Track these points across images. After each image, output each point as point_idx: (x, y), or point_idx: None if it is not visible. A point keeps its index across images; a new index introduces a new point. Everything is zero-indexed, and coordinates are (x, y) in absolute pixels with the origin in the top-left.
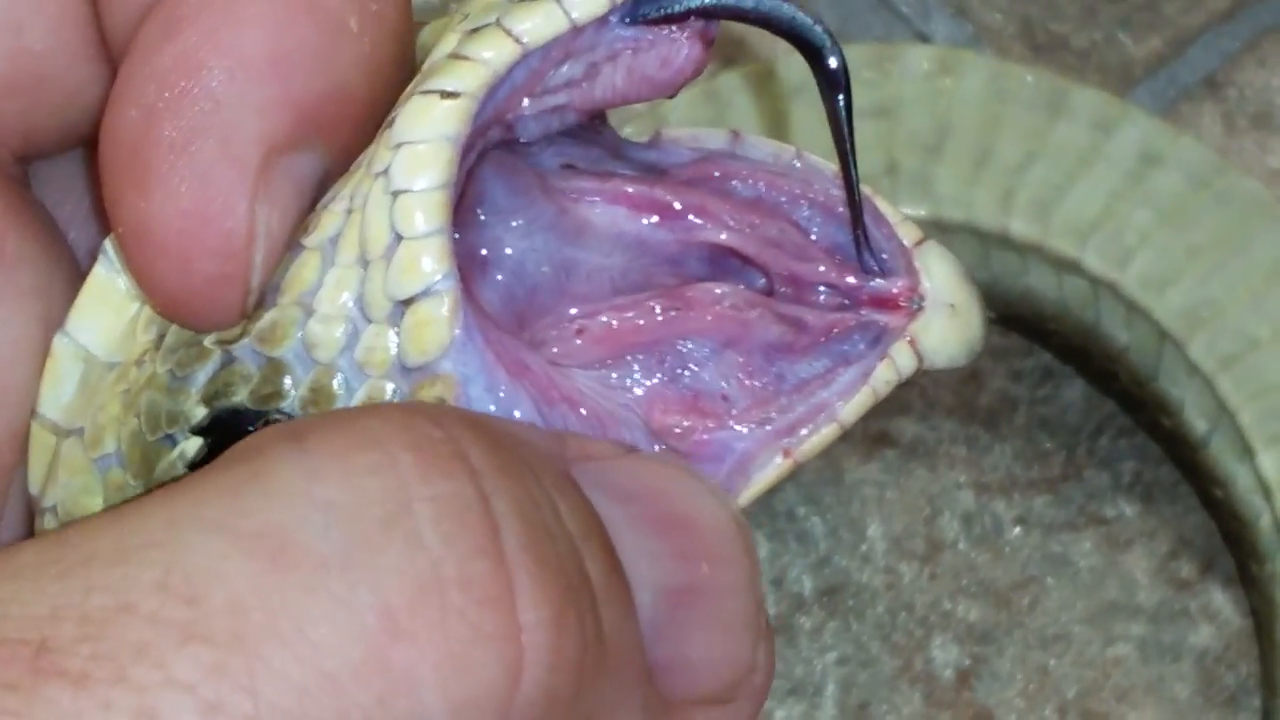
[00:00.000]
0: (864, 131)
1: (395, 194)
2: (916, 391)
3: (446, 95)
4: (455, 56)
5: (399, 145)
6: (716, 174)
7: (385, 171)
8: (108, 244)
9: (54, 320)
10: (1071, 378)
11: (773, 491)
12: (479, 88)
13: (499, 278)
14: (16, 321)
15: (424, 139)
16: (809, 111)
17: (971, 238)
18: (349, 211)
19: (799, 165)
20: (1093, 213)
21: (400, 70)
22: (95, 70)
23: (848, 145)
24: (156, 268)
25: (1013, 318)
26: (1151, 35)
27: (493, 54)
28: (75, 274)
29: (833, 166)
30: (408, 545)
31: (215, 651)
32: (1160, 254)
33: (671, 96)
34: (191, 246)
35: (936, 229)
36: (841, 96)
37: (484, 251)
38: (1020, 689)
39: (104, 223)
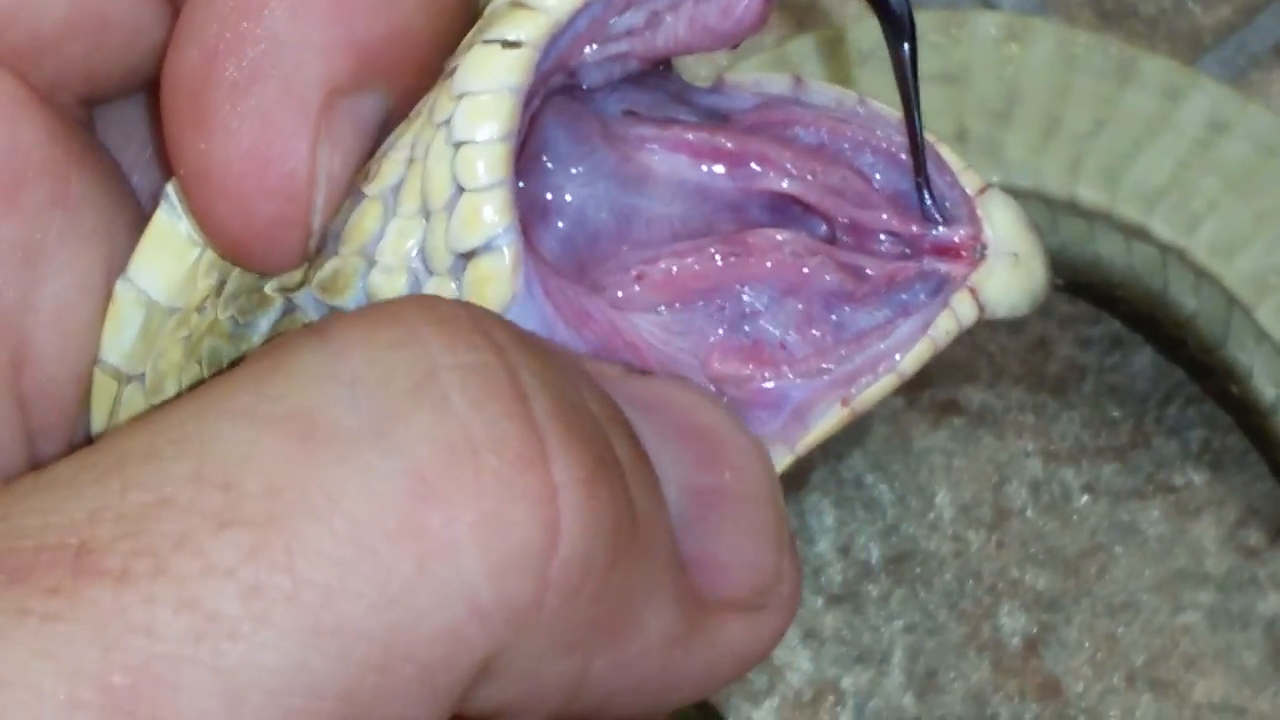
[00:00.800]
0: (932, 97)
1: (457, 145)
2: (984, 359)
3: (508, 45)
4: (517, 4)
5: (461, 96)
6: (779, 119)
7: (447, 122)
8: (170, 188)
9: (118, 264)
10: (1140, 345)
11: (840, 459)
12: (541, 37)
13: (560, 225)
14: (80, 264)
15: (486, 89)
16: (878, 77)
17: (1040, 204)
18: (410, 161)
19: (862, 111)
20: (1161, 179)
21: (463, 12)
22: (158, 11)
23: (912, 93)
24: (217, 209)
25: (1081, 285)
26: (1221, 3)
27: (555, 2)
28: (139, 218)
29: (897, 113)
30: (436, 411)
31: (252, 534)
32: (1228, 220)
33: (734, 47)
34: (252, 188)
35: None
36: (906, 45)
37: (547, 198)
38: (1088, 657)
39: (166, 167)
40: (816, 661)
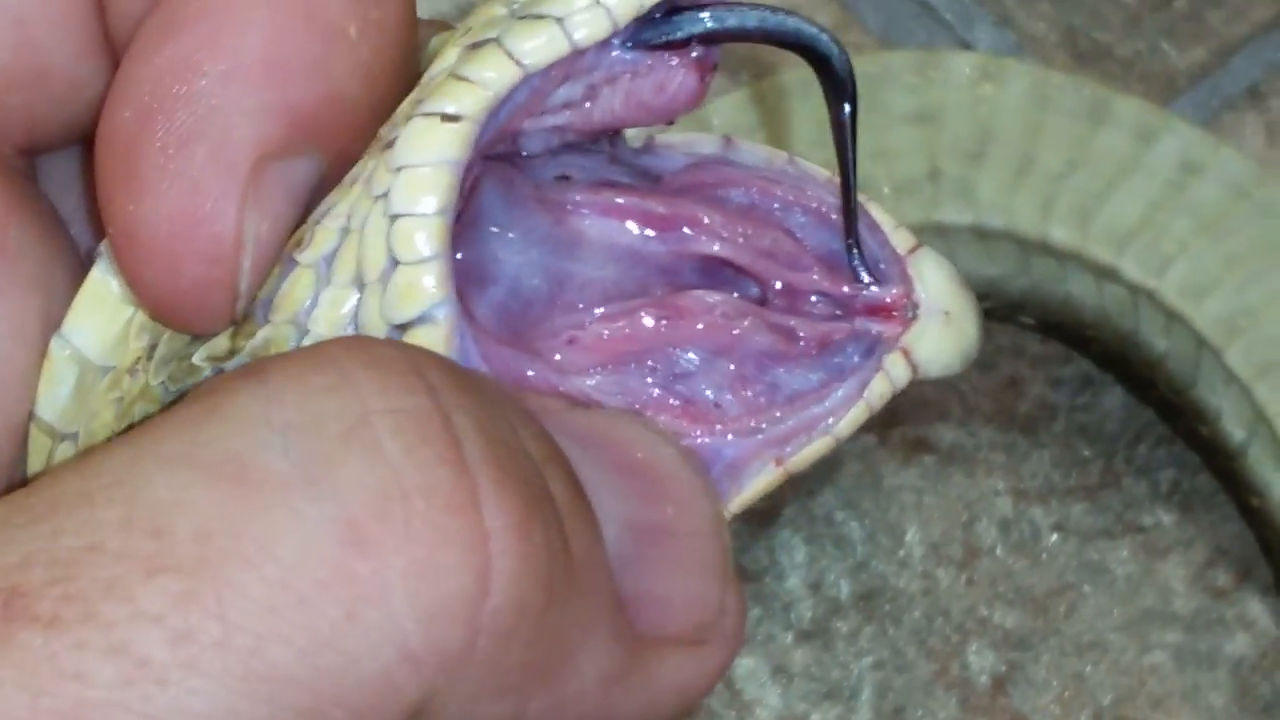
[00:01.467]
0: (906, 137)
1: (394, 217)
2: (956, 398)
3: (448, 118)
4: (456, 76)
5: (399, 169)
6: (710, 181)
7: (385, 195)
8: (103, 247)
9: (55, 314)
10: (1110, 385)
11: (811, 495)
12: (480, 111)
13: (495, 291)
14: (16, 314)
15: (425, 163)
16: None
17: (1012, 244)
18: (345, 230)
19: (792, 171)
20: (1132, 221)
21: (400, 78)
22: (99, 65)
23: (849, 154)
24: (145, 270)
25: (1052, 325)
26: (1195, 45)
27: (494, 75)
28: (77, 268)
29: (825, 172)
30: (367, 457)
31: (182, 580)
32: (1199, 262)
33: (669, 124)
34: (180, 250)
35: (978, 235)
36: (847, 105)
37: (481, 266)
38: (1056, 695)
39: (98, 223)
40: (785, 697)
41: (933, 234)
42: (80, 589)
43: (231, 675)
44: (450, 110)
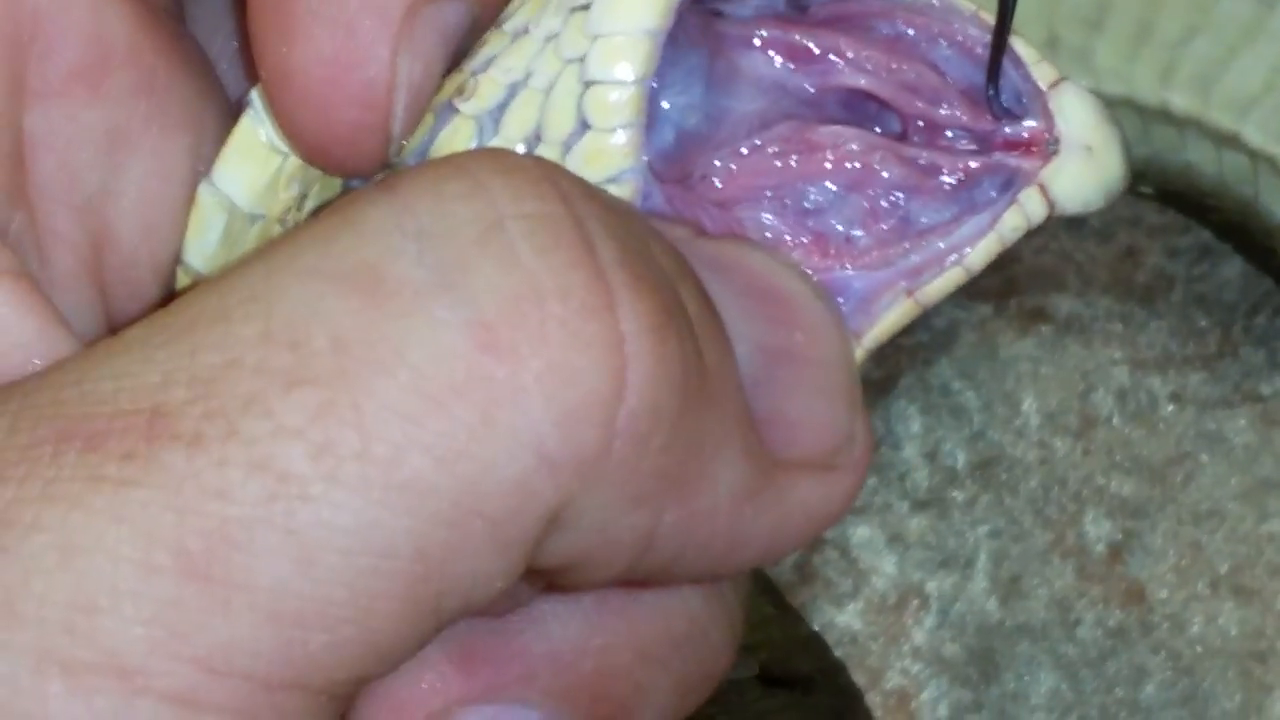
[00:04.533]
0: (1025, 4)
1: (589, 83)
2: (1072, 268)
3: None
4: None
5: (596, 36)
6: (856, 11)
7: (580, 60)
8: (254, 94)
9: (204, 154)
10: (1229, 254)
11: (927, 365)
12: None
13: (661, 134)
14: (165, 154)
15: (625, 31)
16: None
17: (1131, 112)
18: (519, 85)
19: (937, 3)
20: (1254, 87)
21: None
22: None
23: None
24: (298, 113)
25: (1170, 193)
26: None
27: None
28: (226, 109)
29: (970, 4)
30: (501, 261)
31: (320, 392)
32: None
33: None
34: (333, 94)
35: None
36: None
37: (650, 111)
38: (1172, 564)
39: (250, 65)
40: (901, 566)
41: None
42: (220, 405)
43: (372, 486)
44: None
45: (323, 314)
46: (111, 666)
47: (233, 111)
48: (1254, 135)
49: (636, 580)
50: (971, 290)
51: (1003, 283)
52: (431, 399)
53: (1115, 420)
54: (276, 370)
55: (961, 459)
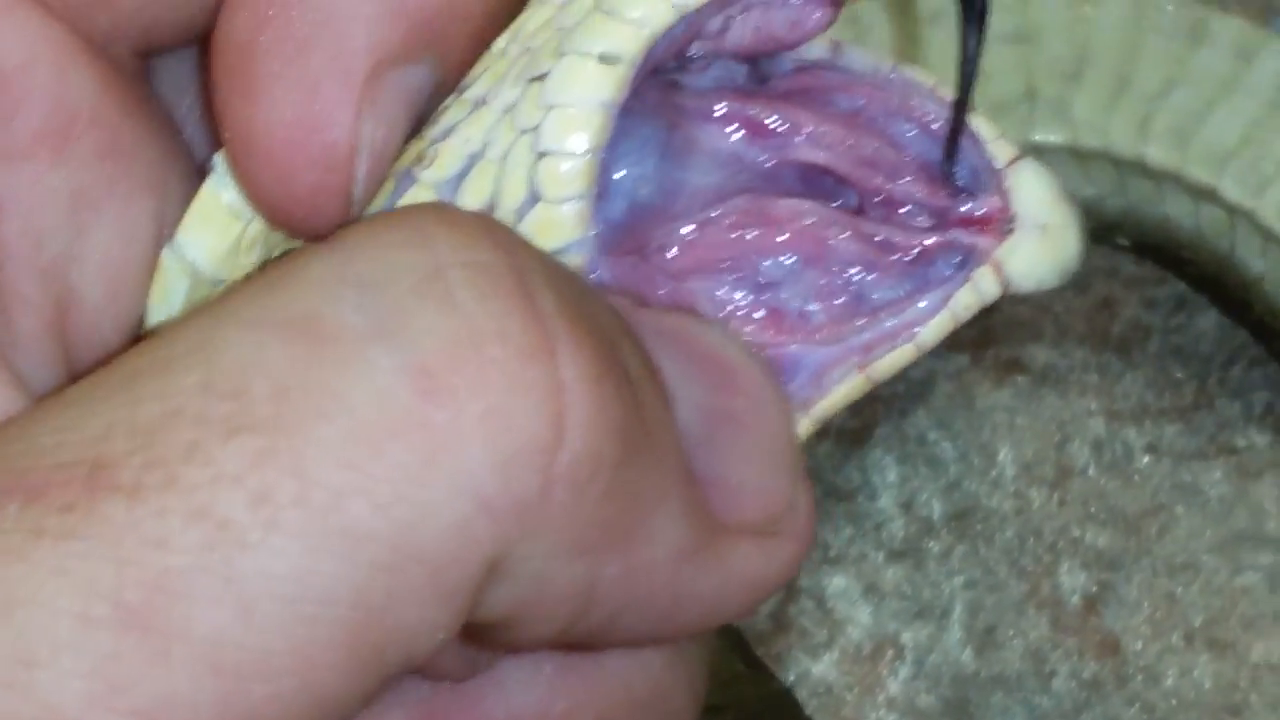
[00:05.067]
0: (1003, 57)
1: (542, 154)
2: (1049, 319)
3: (605, 60)
4: (605, 13)
5: (551, 106)
6: (816, 85)
7: (534, 130)
8: (217, 158)
9: (169, 216)
10: (1205, 306)
11: (904, 415)
12: (637, 54)
13: (612, 207)
14: (129, 216)
15: (578, 103)
16: (947, 38)
17: (1108, 165)
18: (477, 156)
19: (895, 79)
20: (1231, 141)
21: None
22: None
23: (971, 70)
24: (261, 175)
25: (1147, 246)
26: None
27: (647, 13)
28: (191, 171)
29: (930, 80)
30: (440, 306)
31: (260, 439)
32: None
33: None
34: (295, 156)
35: (1074, 156)
36: (977, 21)
37: (601, 182)
38: (1147, 616)
39: (214, 129)
40: (877, 616)
41: (1028, 154)
42: (161, 455)
43: (310, 533)
44: (604, 50)
45: (263, 362)
46: None
47: (198, 174)
48: (1231, 189)
49: (579, 642)
50: (948, 341)
51: (979, 333)
52: (370, 444)
53: (1091, 471)
54: (217, 419)
55: (937, 509)
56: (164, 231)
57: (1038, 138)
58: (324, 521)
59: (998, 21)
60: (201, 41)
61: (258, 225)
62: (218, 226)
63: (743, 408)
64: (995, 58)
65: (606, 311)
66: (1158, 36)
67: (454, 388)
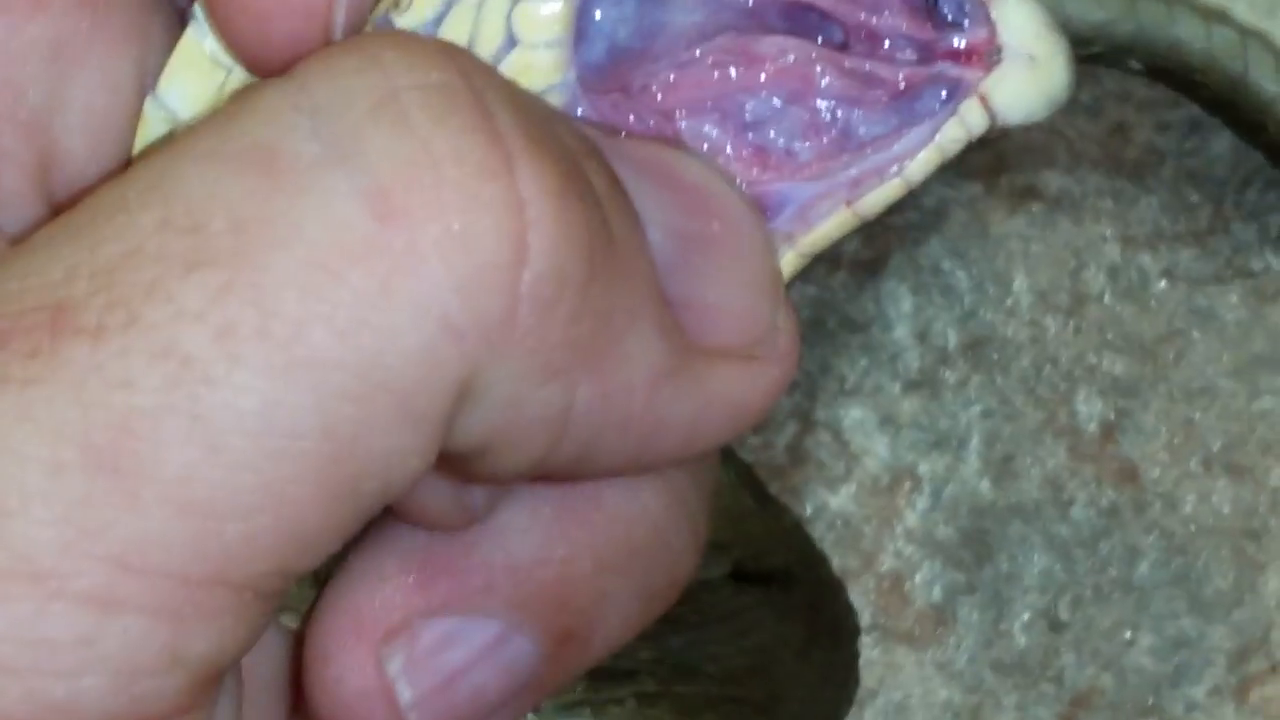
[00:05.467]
0: None
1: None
2: (1062, 144)
3: None
4: None
5: None
6: None
7: None
8: (197, 7)
9: (151, 66)
10: (1219, 129)
11: (917, 245)
12: None
13: (591, 49)
14: (110, 66)
15: None
16: None
17: None
18: (453, 1)
19: None
20: None
21: None
22: None
23: None
24: (238, 24)
25: (1159, 69)
26: None
27: None
28: (174, 18)
29: None
30: (395, 129)
31: (219, 273)
32: None
33: None
34: (271, 3)
35: None
36: None
37: (579, 25)
38: (1165, 442)
39: None
40: (893, 448)
41: None
42: (122, 295)
43: (274, 365)
44: None
45: (220, 195)
46: (24, 571)
47: (181, 22)
48: (1243, 11)
49: (559, 471)
50: (961, 168)
51: (992, 160)
52: (329, 271)
53: (1107, 298)
54: (175, 255)
55: (953, 338)
56: (147, 81)
57: None
58: (287, 352)
59: None
60: None
61: (240, 74)
62: (200, 75)
63: (719, 230)
64: None
65: (571, 134)
66: None
67: (410, 209)
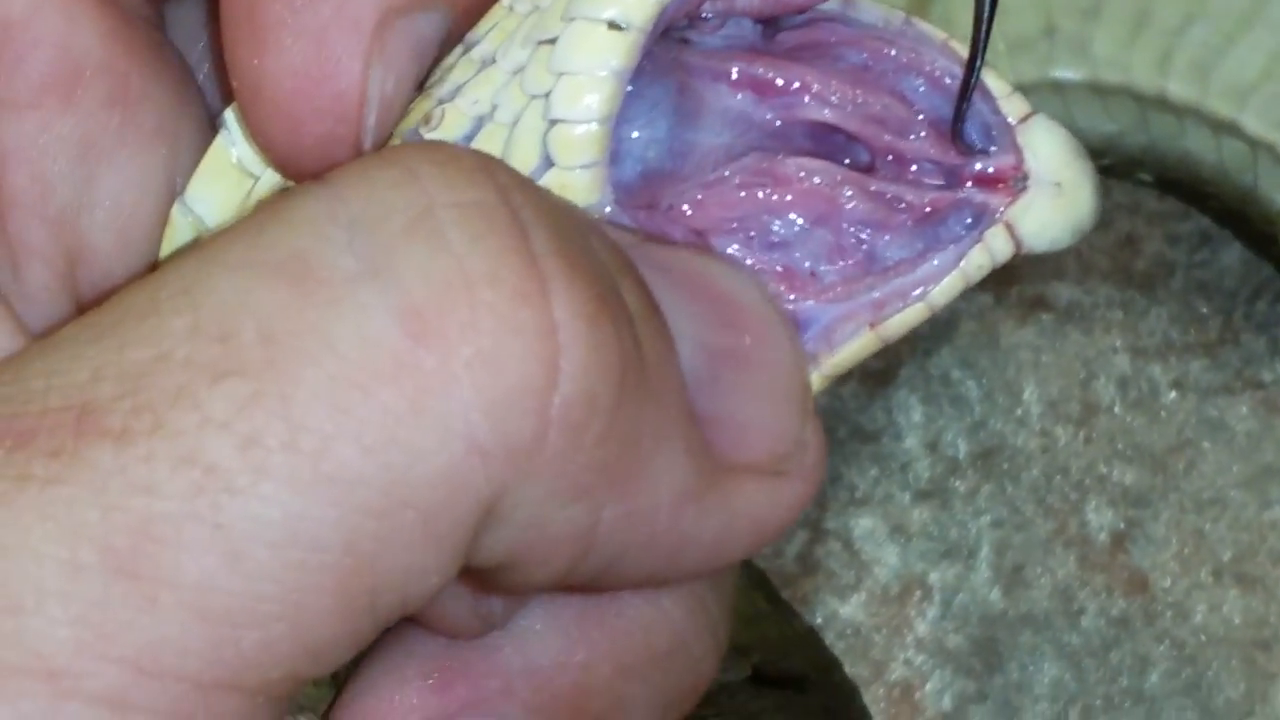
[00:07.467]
0: None
1: (554, 121)
2: (1073, 255)
3: (614, 26)
4: None
5: (561, 73)
6: (826, 39)
7: (544, 96)
8: (227, 114)
9: (181, 165)
10: (1229, 241)
11: (928, 355)
12: (648, 21)
13: (624, 169)
14: (140, 164)
15: (589, 71)
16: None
17: (1129, 100)
18: (485, 119)
19: (909, 31)
20: (1252, 74)
21: None
22: None
23: (986, 23)
24: (270, 126)
25: (1170, 181)
26: None
27: None
28: (205, 119)
29: (942, 34)
30: (431, 247)
31: (248, 383)
32: None
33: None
34: (303, 106)
35: (1094, 92)
36: None
37: (616, 141)
38: (1175, 552)
39: (225, 78)
40: (904, 556)
41: (1048, 91)
42: (149, 400)
43: (300, 478)
44: (612, 16)
45: (252, 305)
46: (38, 669)
47: (211, 121)
48: (1252, 123)
49: (583, 585)
50: None
51: (1003, 271)
52: (359, 387)
53: (1117, 408)
54: (204, 363)
55: (963, 449)
56: (176, 180)
57: (1057, 74)
58: (313, 466)
59: None
60: None
61: (267, 182)
62: (227, 183)
63: (750, 345)
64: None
65: (607, 248)
66: None
67: (444, 330)
